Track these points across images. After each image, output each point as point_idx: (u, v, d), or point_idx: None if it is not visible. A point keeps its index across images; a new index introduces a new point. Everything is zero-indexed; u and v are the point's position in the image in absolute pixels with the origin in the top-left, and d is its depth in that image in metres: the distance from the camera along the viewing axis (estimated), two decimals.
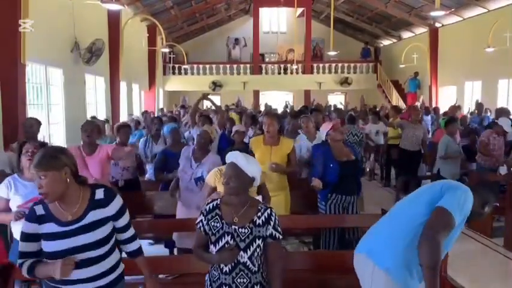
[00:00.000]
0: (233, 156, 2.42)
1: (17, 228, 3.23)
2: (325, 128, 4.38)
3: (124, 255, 2.43)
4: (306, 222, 4.27)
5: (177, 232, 4.10)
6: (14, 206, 3.19)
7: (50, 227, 2.13)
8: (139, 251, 2.40)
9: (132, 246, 2.37)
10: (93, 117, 9.42)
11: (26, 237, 2.14)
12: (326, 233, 4.23)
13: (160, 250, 4.81)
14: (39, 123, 5.21)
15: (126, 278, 2.40)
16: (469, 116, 10.78)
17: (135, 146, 5.90)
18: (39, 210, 2.16)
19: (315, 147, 4.80)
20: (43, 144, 3.43)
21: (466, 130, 8.09)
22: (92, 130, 4.26)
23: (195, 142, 4.32)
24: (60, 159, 2.11)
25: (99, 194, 2.21)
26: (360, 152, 6.99)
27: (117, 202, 2.25)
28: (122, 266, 2.35)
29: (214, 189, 3.57)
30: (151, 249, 4.97)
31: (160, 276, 3.58)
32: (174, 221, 4.10)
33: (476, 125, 9.11)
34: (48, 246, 2.12)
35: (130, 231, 2.34)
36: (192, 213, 3.92)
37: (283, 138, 4.61)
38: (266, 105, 16.09)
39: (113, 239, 2.26)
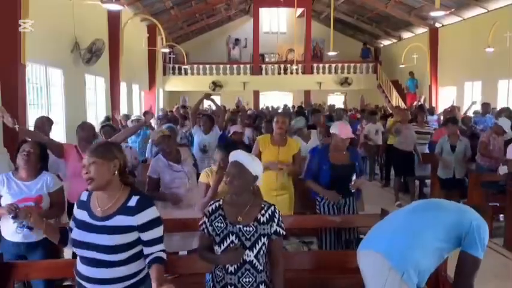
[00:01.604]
0: (236, 155, 2.41)
1: (5, 227, 3.23)
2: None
3: None
4: (306, 222, 4.27)
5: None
6: (3, 203, 3.19)
7: (82, 215, 2.20)
8: (156, 260, 2.17)
9: (153, 257, 2.18)
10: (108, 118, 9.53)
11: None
12: (323, 233, 4.23)
13: None
14: (50, 121, 5.15)
15: None
16: (472, 115, 10.66)
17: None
18: (84, 196, 2.26)
19: (312, 149, 4.81)
20: (40, 144, 3.41)
21: (469, 131, 8.08)
22: (91, 129, 4.32)
23: (161, 152, 4.20)
24: (113, 152, 2.19)
25: (133, 201, 2.16)
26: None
27: (148, 214, 2.15)
28: (139, 276, 2.23)
29: (209, 185, 3.54)
30: None
31: None
32: (175, 221, 4.09)
33: (482, 126, 8.94)
34: (74, 232, 2.19)
35: (158, 247, 2.19)
36: (182, 213, 3.92)
37: (290, 138, 4.61)
38: (269, 107, 16.08)
39: (135, 250, 2.17)
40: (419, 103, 14.99)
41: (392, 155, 8.02)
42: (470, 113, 10.44)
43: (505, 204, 5.56)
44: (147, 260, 2.19)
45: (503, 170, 5.85)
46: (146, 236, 2.17)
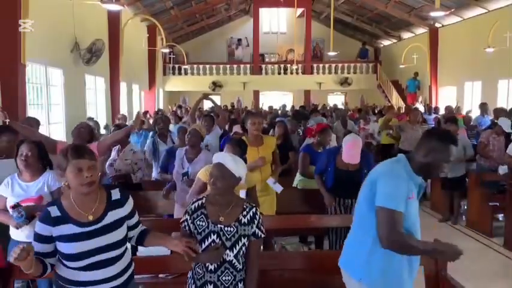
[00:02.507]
0: (220, 157, 2.45)
1: (15, 231, 3.23)
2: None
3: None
4: (306, 222, 4.27)
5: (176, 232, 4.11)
6: (8, 205, 3.18)
7: (68, 229, 2.09)
8: (148, 229, 2.42)
9: (141, 230, 2.40)
10: (91, 118, 9.44)
11: (39, 238, 2.10)
12: (330, 233, 4.26)
13: (161, 250, 4.79)
14: (38, 123, 5.16)
15: None
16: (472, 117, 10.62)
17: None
18: (54, 211, 2.11)
19: (304, 147, 4.92)
20: (37, 144, 3.34)
21: (470, 131, 8.07)
22: (82, 128, 4.35)
23: (186, 142, 4.32)
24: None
25: (116, 194, 2.24)
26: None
27: (131, 201, 2.31)
28: (133, 265, 2.36)
29: (205, 184, 3.53)
30: (151, 249, 4.93)
31: (160, 276, 3.59)
32: (176, 221, 4.10)
33: (484, 126, 8.86)
34: (67, 248, 2.08)
35: (140, 227, 2.40)
36: None
37: (265, 136, 4.59)
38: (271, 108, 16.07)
39: (126, 242, 2.29)
40: (421, 104, 15.01)
41: (394, 155, 7.99)
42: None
43: (505, 204, 5.56)
44: (136, 235, 2.37)
45: (503, 169, 5.86)
46: (133, 221, 2.32)
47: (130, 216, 2.28)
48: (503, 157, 5.86)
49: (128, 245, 2.35)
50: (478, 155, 6.65)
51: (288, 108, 15.92)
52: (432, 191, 7.36)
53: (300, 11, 18.96)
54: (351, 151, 4.10)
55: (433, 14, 10.08)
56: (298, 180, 5.21)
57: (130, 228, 2.31)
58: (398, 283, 2.32)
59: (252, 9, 20.32)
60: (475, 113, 11.06)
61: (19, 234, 3.21)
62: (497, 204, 5.82)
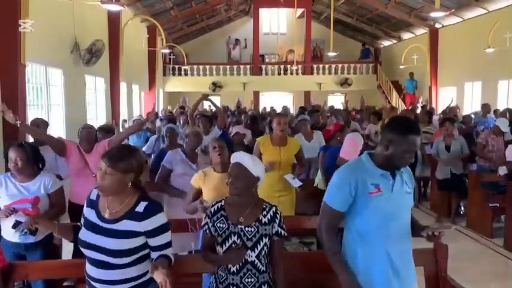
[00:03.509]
0: (239, 157, 2.42)
1: (5, 227, 3.24)
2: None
3: None
4: (308, 223, 4.27)
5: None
6: (1, 205, 3.19)
7: (90, 214, 2.19)
8: (160, 256, 2.15)
9: (158, 255, 2.17)
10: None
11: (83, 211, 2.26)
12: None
13: None
14: (45, 123, 5.11)
15: None
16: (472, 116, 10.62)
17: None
18: (94, 194, 2.23)
19: (331, 150, 4.91)
20: (26, 147, 3.29)
21: (471, 130, 8.06)
22: (93, 128, 4.38)
23: (186, 144, 4.29)
24: (132, 163, 2.11)
25: (141, 206, 2.13)
26: None
27: (156, 220, 2.12)
28: (147, 276, 2.19)
29: (199, 191, 3.49)
30: None
31: None
32: (176, 221, 4.08)
33: (483, 127, 8.85)
34: (81, 233, 2.18)
35: (166, 252, 2.17)
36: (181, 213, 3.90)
37: (290, 138, 4.62)
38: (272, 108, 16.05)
39: (140, 253, 2.15)
40: (423, 104, 15.00)
41: None
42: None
43: (505, 205, 5.56)
44: (155, 258, 2.17)
45: (503, 170, 5.85)
46: (154, 241, 2.15)
47: (150, 235, 2.12)
48: (503, 158, 5.85)
49: (141, 265, 2.19)
50: (477, 156, 6.65)
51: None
52: (432, 191, 7.35)
53: (300, 11, 18.95)
54: (348, 148, 4.29)
55: (433, 14, 10.09)
56: (319, 179, 5.20)
57: (153, 249, 2.16)
58: (384, 283, 2.23)
59: (252, 9, 20.32)
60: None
61: (11, 235, 3.22)
62: (497, 205, 5.81)
